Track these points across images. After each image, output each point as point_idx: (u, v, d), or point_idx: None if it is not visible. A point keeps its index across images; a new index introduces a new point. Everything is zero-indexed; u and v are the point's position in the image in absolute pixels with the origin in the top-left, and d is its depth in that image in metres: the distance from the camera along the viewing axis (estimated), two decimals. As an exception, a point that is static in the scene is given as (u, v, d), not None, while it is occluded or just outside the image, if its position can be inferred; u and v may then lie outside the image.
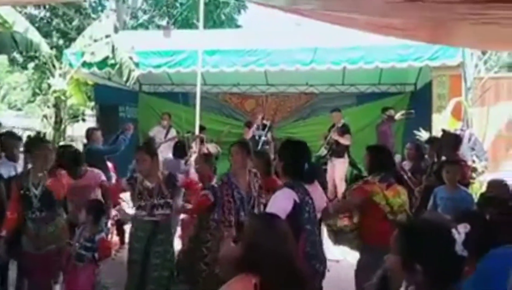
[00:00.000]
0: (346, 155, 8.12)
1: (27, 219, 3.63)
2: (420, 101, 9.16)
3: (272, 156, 5.96)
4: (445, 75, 7.84)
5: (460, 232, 1.44)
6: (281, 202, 2.80)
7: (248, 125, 8.80)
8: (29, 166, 3.78)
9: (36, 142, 3.87)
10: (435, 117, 7.58)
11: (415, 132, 7.21)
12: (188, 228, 4.80)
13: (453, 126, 6.93)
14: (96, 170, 4.80)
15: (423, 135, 6.97)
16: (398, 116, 7.88)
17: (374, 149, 3.81)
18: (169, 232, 3.83)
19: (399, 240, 1.54)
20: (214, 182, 4.45)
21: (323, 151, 8.13)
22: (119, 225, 5.86)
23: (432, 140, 5.77)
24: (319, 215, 3.22)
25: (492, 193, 3.76)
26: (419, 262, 1.45)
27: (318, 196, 3.10)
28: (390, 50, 7.69)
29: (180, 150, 6.71)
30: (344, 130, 8.09)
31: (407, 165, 5.89)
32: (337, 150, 8.02)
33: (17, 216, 3.66)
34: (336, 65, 8.13)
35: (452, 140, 5.18)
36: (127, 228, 4.79)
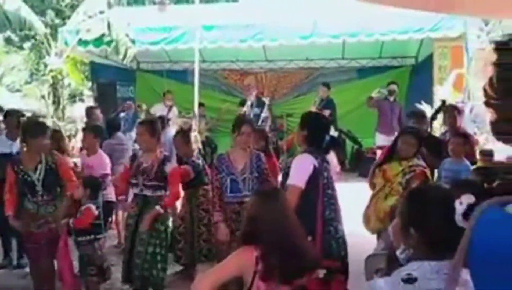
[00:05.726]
0: (331, 128, 8.06)
1: (26, 201, 3.62)
2: (421, 74, 9.07)
3: (269, 134, 5.94)
4: (446, 47, 7.73)
5: (463, 202, 1.40)
6: (302, 165, 2.89)
7: (242, 104, 8.74)
8: (24, 149, 3.72)
9: (31, 127, 3.78)
10: (437, 89, 7.50)
11: (417, 105, 7.15)
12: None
13: (455, 98, 6.87)
14: (105, 158, 4.80)
15: (424, 108, 6.91)
16: (374, 93, 7.72)
17: (418, 133, 3.75)
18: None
19: (402, 203, 1.56)
20: (195, 157, 4.50)
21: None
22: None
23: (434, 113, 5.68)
24: None
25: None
26: (413, 226, 1.45)
27: (331, 165, 3.20)
28: (391, 21, 7.55)
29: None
30: (325, 105, 7.97)
31: None
32: None
33: (15, 197, 3.64)
34: (336, 38, 8.01)
35: (451, 113, 5.12)
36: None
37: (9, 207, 3.64)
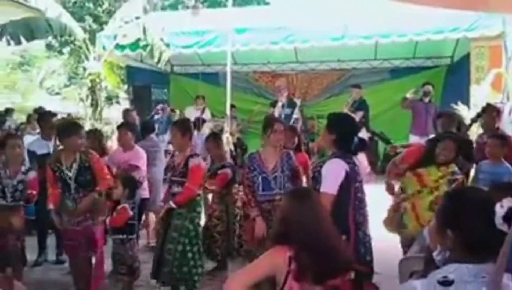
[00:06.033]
0: (363, 130, 7.91)
1: (65, 198, 3.74)
2: (457, 74, 8.83)
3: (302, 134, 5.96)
4: (484, 46, 7.49)
5: (504, 205, 1.36)
6: (334, 171, 2.87)
7: (273, 105, 8.77)
8: (60, 147, 3.86)
9: (66, 127, 3.91)
10: (474, 89, 7.29)
11: (453, 105, 6.96)
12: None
13: (493, 99, 6.64)
14: (142, 153, 4.94)
15: (461, 108, 6.73)
16: (409, 94, 7.49)
17: (457, 138, 3.69)
18: (190, 208, 3.74)
19: (440, 205, 1.53)
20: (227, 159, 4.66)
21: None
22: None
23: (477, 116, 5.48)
24: None
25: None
26: (450, 227, 1.42)
27: (362, 166, 3.19)
28: (425, 21, 7.39)
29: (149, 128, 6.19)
30: (358, 106, 7.86)
31: None
32: None
33: (58, 193, 3.76)
34: (368, 39, 7.91)
35: (490, 114, 4.95)
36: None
37: (51, 201, 3.76)
